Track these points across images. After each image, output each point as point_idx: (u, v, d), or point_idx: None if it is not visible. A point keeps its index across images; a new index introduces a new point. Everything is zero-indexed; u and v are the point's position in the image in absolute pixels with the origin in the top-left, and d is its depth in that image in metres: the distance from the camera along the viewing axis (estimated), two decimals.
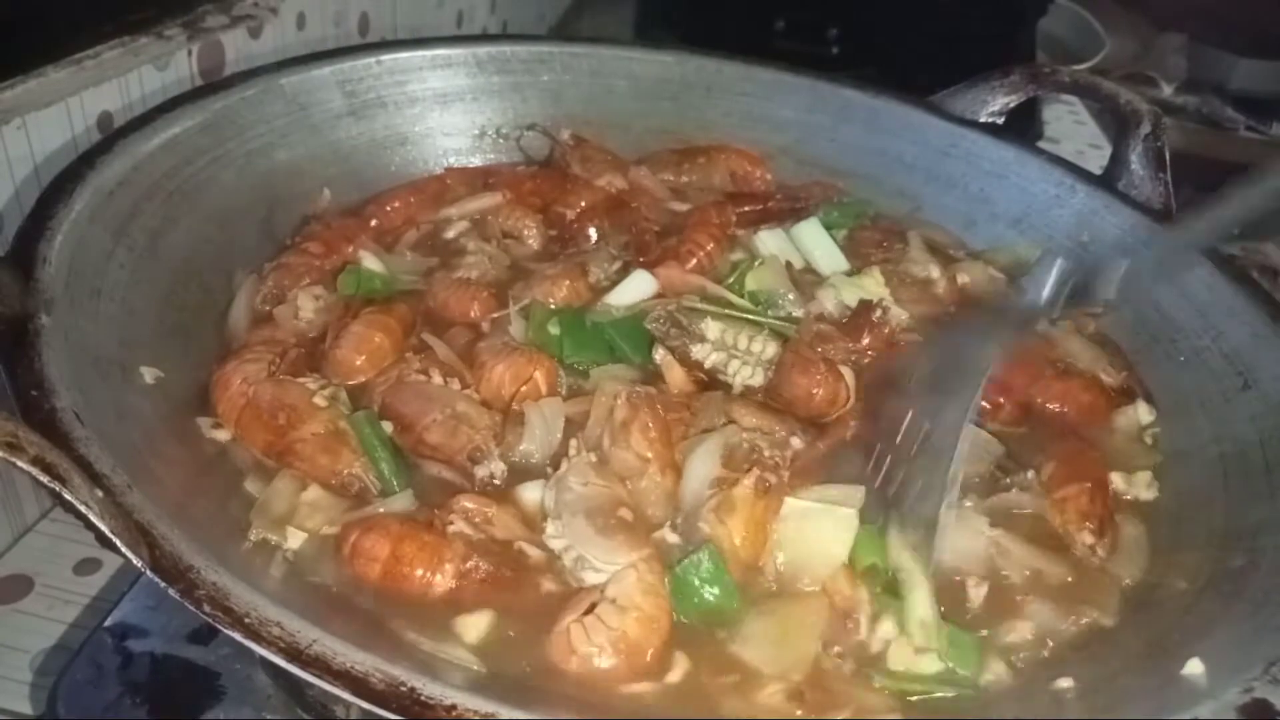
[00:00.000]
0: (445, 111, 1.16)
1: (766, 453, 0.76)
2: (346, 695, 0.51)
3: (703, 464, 0.75)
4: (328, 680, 0.52)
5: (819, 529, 0.72)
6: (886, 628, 0.70)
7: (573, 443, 0.76)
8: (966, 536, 0.76)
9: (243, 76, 1.01)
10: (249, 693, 0.72)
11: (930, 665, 0.68)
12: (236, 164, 0.97)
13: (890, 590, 0.72)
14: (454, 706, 0.51)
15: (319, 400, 0.77)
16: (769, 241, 1.03)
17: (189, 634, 0.75)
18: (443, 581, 0.67)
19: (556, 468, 0.75)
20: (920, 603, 0.70)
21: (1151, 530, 0.82)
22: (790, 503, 0.73)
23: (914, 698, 0.67)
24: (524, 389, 0.82)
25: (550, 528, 0.71)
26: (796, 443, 0.80)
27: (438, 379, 0.82)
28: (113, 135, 0.87)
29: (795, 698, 0.65)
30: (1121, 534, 0.81)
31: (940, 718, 0.67)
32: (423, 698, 0.51)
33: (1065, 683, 0.68)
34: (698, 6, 1.80)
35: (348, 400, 0.81)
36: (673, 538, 0.72)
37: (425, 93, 1.14)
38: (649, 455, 0.74)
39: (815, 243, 1.05)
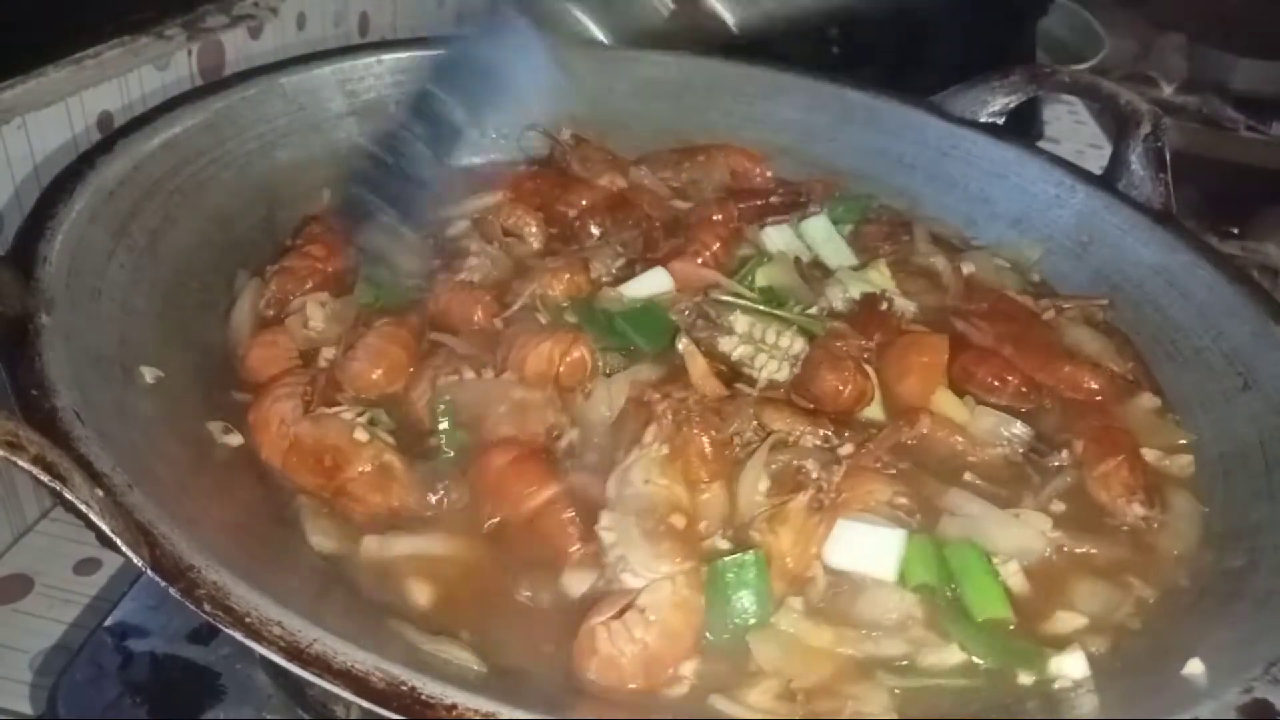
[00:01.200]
0: None
1: (815, 474, 0.75)
2: (347, 694, 0.51)
3: (749, 481, 0.75)
4: (328, 679, 0.52)
5: (866, 549, 0.72)
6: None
7: (650, 429, 0.75)
8: (1028, 537, 0.76)
9: (243, 76, 1.01)
10: (249, 692, 0.72)
11: (953, 657, 0.69)
12: (237, 164, 0.96)
13: (951, 610, 0.71)
14: (454, 706, 0.51)
15: (359, 435, 0.76)
16: (776, 238, 1.03)
17: (189, 634, 0.75)
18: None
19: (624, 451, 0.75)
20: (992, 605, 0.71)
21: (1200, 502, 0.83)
22: (840, 523, 0.73)
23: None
24: (571, 360, 0.82)
25: (605, 519, 0.70)
26: (846, 449, 0.79)
27: (470, 375, 0.82)
28: (113, 135, 0.87)
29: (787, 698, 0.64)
30: (1171, 505, 0.82)
31: (938, 718, 0.66)
32: (423, 697, 0.51)
33: (1064, 683, 0.68)
34: None
35: (387, 418, 0.80)
36: (723, 544, 0.72)
37: None
38: (705, 478, 0.75)
39: (825, 238, 1.05)
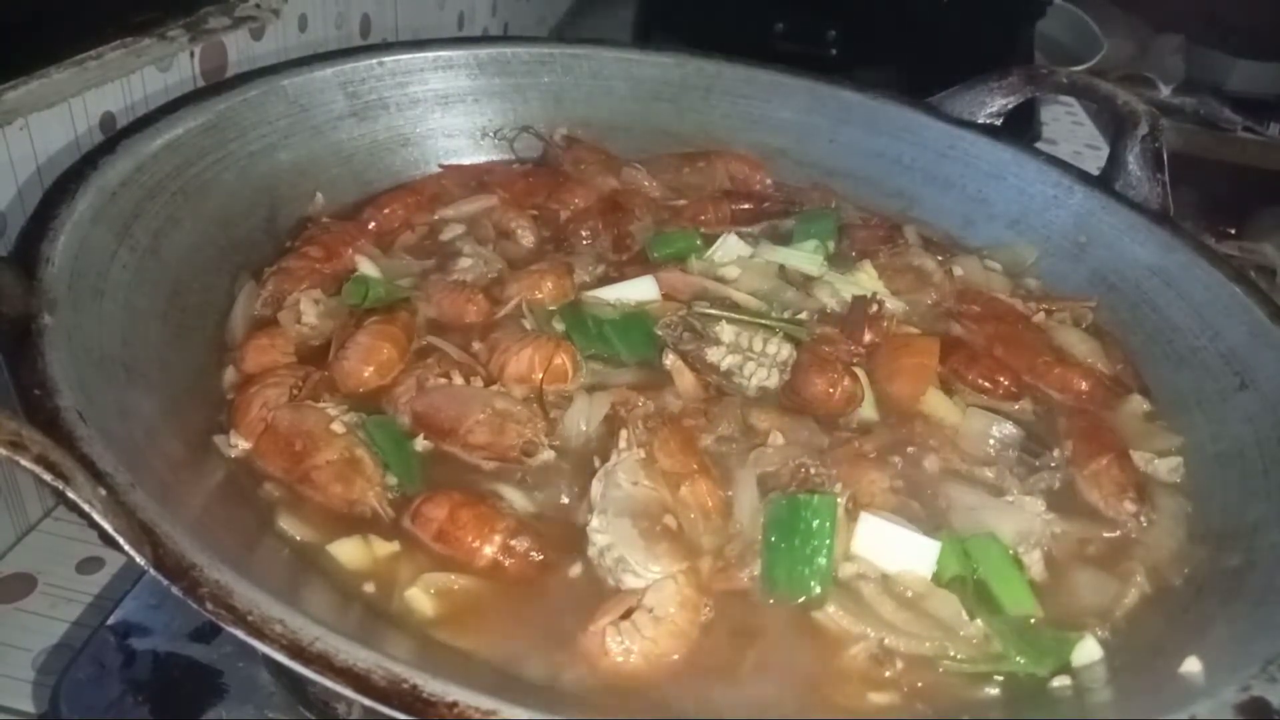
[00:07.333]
0: (446, 113, 1.16)
1: (813, 470, 0.76)
2: (348, 692, 0.52)
3: (746, 499, 0.76)
4: (329, 677, 0.52)
5: (904, 552, 0.73)
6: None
7: (623, 434, 0.76)
8: (1024, 520, 0.77)
9: (245, 78, 1.01)
10: (251, 691, 0.72)
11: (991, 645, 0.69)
12: (239, 165, 0.97)
13: (980, 594, 0.72)
14: (455, 704, 0.51)
15: (336, 427, 0.76)
16: (733, 247, 1.03)
17: (191, 632, 0.75)
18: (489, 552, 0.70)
19: (604, 458, 0.75)
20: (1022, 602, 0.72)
21: (1187, 503, 0.84)
22: (870, 520, 0.74)
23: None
24: (552, 367, 0.83)
25: (595, 521, 0.71)
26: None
27: (459, 380, 0.82)
28: (115, 136, 0.87)
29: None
30: (1158, 506, 0.83)
31: (940, 717, 0.67)
32: (424, 694, 0.52)
33: (1063, 681, 0.69)
34: (697, 9, 1.80)
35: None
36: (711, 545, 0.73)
37: (426, 94, 1.15)
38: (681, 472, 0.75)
39: (786, 256, 1.04)
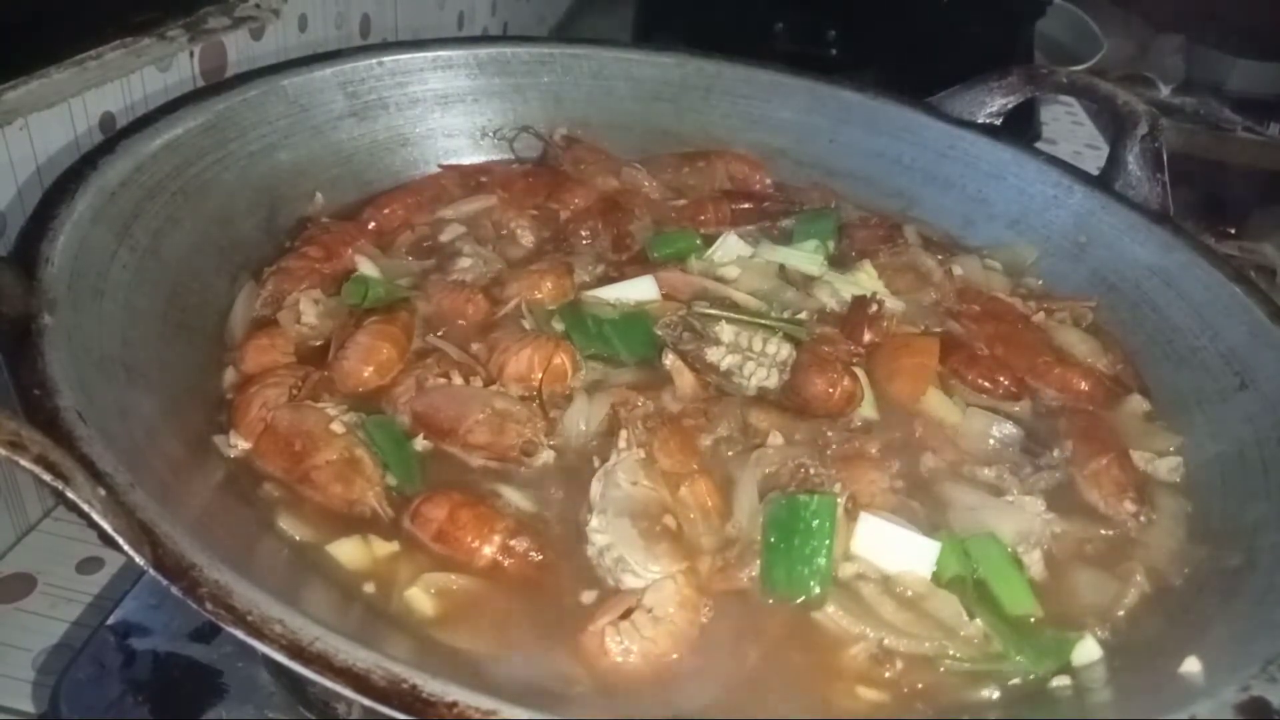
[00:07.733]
0: (446, 113, 1.17)
1: (813, 470, 0.77)
2: (348, 692, 0.52)
3: (746, 498, 0.76)
4: (329, 677, 0.52)
5: (904, 552, 0.73)
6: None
7: (623, 434, 0.76)
8: (1024, 520, 0.77)
9: (244, 78, 1.01)
10: (251, 691, 0.72)
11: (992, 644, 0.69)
12: (238, 165, 0.97)
13: (980, 593, 0.72)
14: (455, 703, 0.51)
15: (335, 427, 0.77)
16: (733, 246, 1.03)
17: (191, 632, 0.75)
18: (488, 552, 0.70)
19: (604, 458, 0.75)
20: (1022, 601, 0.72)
21: (1187, 503, 0.84)
22: (869, 520, 0.74)
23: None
24: (551, 367, 0.83)
25: (595, 521, 0.71)
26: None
27: (458, 380, 0.83)
28: (115, 136, 0.87)
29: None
30: (1158, 505, 0.83)
31: (940, 717, 0.67)
32: (424, 695, 0.52)
33: (1063, 681, 0.69)
34: (697, 8, 1.80)
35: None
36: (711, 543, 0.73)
37: (426, 94, 1.15)
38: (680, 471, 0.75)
39: (786, 256, 1.04)
